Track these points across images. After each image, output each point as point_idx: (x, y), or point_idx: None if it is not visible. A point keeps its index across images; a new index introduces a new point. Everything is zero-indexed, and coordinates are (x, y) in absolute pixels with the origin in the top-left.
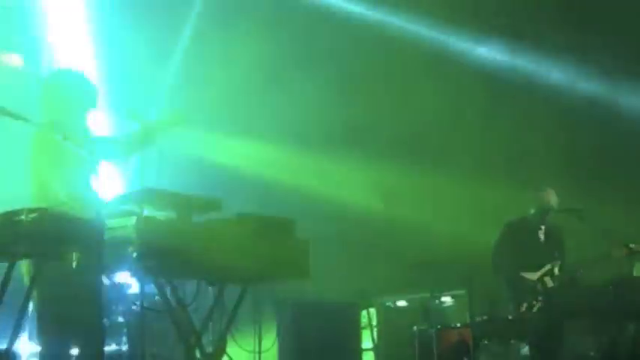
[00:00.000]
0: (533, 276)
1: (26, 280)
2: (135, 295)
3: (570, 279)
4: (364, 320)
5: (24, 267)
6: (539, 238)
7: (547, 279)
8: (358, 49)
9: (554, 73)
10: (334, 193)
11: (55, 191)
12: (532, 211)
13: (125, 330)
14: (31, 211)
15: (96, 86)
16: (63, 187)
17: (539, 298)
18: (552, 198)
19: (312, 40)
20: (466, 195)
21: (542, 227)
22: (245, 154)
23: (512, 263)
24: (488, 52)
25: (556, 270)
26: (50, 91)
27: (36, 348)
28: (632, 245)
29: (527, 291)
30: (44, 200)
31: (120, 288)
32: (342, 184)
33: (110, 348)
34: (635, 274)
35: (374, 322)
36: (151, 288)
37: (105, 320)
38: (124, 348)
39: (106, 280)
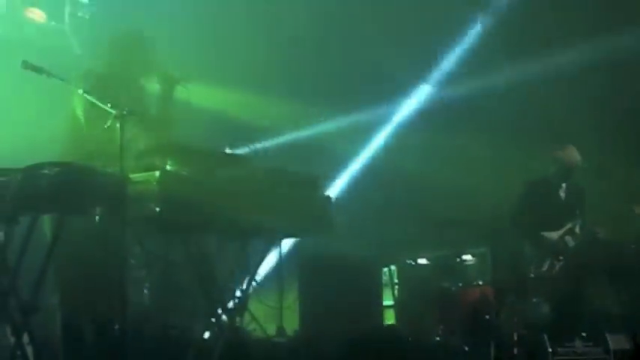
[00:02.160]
0: (555, 235)
1: (49, 235)
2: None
3: (592, 237)
4: (385, 278)
5: (46, 223)
6: (559, 197)
7: (568, 238)
8: None
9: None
10: (358, 151)
11: (77, 145)
12: (553, 169)
13: (147, 284)
14: (53, 165)
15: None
16: (85, 141)
17: (561, 257)
18: (574, 155)
19: None
20: (490, 152)
21: (563, 186)
22: (268, 112)
23: (533, 222)
24: None
25: (577, 229)
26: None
27: None
28: None
29: (548, 250)
30: (68, 154)
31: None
32: (366, 141)
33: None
34: None
35: (395, 280)
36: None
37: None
38: (146, 302)
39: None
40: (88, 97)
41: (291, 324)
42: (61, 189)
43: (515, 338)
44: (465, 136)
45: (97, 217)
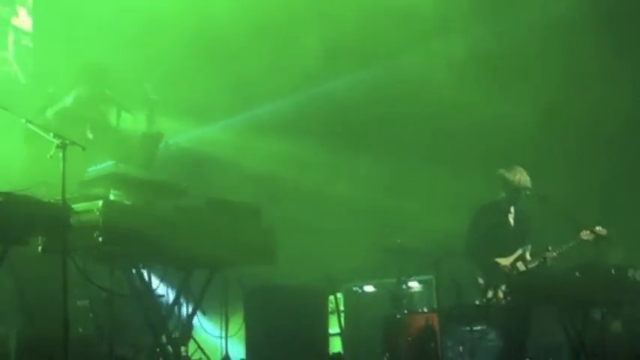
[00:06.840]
0: (507, 261)
1: None
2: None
3: (543, 263)
4: (331, 305)
5: None
6: (509, 222)
7: (519, 264)
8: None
9: None
10: (302, 179)
11: (20, 174)
12: (503, 194)
13: (91, 314)
14: None
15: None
16: (27, 170)
17: (507, 284)
18: (523, 177)
19: None
20: (433, 181)
21: (512, 210)
22: (212, 141)
23: (484, 248)
24: None
25: (527, 255)
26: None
27: None
28: (598, 228)
29: (500, 276)
30: (11, 183)
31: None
32: (310, 169)
33: (76, 332)
34: (610, 261)
35: (341, 308)
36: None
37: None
38: (90, 332)
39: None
40: (31, 127)
41: (237, 353)
42: (3, 219)
43: None
44: (409, 165)
45: (39, 247)
